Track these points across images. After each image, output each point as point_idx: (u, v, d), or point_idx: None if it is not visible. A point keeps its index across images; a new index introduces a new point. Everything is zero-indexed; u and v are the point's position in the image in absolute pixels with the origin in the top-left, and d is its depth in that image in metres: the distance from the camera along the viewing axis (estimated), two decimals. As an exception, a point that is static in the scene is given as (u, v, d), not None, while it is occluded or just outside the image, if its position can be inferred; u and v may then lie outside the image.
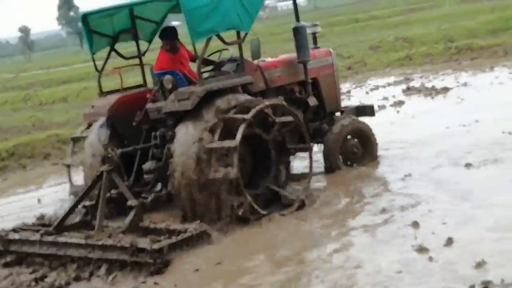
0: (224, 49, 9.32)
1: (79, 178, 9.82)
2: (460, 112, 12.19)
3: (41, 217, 9.22)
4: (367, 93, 17.17)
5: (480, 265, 5.67)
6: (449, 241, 6.31)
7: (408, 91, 16.03)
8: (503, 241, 6.15)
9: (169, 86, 8.49)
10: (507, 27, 25.34)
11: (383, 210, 7.61)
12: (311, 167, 8.74)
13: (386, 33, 32.18)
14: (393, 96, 15.46)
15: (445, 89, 15.30)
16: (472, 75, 17.10)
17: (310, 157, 8.75)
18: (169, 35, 9.06)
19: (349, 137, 9.65)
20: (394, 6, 57.63)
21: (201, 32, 8.10)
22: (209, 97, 8.08)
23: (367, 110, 10.48)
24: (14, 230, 8.61)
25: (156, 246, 7.02)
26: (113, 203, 8.51)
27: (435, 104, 14.07)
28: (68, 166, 10.08)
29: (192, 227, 7.41)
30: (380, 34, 31.49)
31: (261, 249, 7.18)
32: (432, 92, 15.27)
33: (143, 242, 7.19)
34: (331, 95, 10.04)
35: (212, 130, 7.90)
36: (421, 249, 6.24)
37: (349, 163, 9.59)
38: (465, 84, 15.71)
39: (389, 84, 17.84)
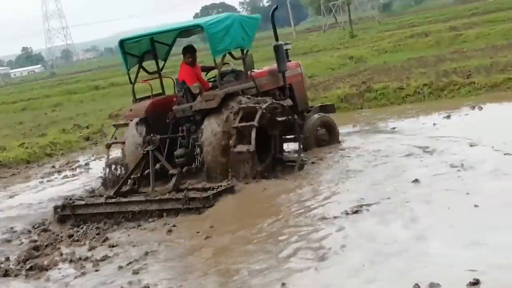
0: (226, 63, 12.47)
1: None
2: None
3: (92, 190, 12.06)
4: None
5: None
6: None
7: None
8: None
9: (197, 91, 11.47)
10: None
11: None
12: (299, 138, 11.74)
13: (127, 100, 30.01)
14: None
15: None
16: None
17: (298, 131, 11.75)
18: (190, 50, 12.02)
19: (319, 128, 12.88)
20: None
21: (219, 50, 11.29)
22: (226, 98, 11.16)
23: (329, 108, 13.85)
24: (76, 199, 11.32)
25: (205, 194, 9.91)
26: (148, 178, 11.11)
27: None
28: (109, 146, 12.69)
29: (225, 183, 10.38)
30: (120, 102, 29.71)
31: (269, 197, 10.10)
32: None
33: (192, 194, 10.19)
34: (302, 97, 13.31)
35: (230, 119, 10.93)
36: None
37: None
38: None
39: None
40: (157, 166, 11.11)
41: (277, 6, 13.92)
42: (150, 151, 11.00)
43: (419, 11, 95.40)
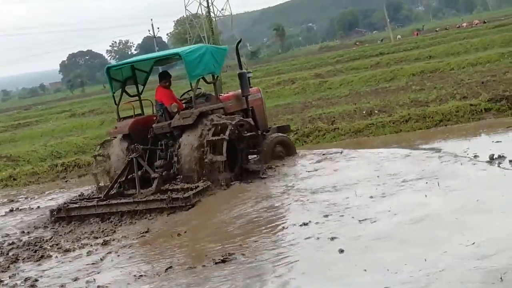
0: (198, 88, 14.37)
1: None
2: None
3: (81, 194, 13.71)
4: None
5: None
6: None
7: (11, 212, 14.65)
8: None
9: (175, 110, 13.26)
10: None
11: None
12: (262, 151, 13.72)
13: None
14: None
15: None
16: (76, 193, 14.82)
17: (261, 145, 13.74)
18: (166, 76, 13.93)
19: (277, 145, 14.60)
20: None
21: (194, 75, 13.16)
22: (200, 116, 12.93)
23: (285, 128, 15.86)
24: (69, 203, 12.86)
25: (186, 194, 11.54)
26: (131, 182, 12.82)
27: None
28: (95, 174, 13.93)
29: (202, 184, 12.06)
30: (-4, 150, 27.98)
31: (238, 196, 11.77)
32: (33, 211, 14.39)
33: (175, 194, 11.80)
34: (262, 118, 15.15)
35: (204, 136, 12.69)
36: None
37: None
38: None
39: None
40: (139, 172, 12.81)
41: (240, 39, 16.04)
42: (134, 158, 12.80)
43: (286, 58, 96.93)
